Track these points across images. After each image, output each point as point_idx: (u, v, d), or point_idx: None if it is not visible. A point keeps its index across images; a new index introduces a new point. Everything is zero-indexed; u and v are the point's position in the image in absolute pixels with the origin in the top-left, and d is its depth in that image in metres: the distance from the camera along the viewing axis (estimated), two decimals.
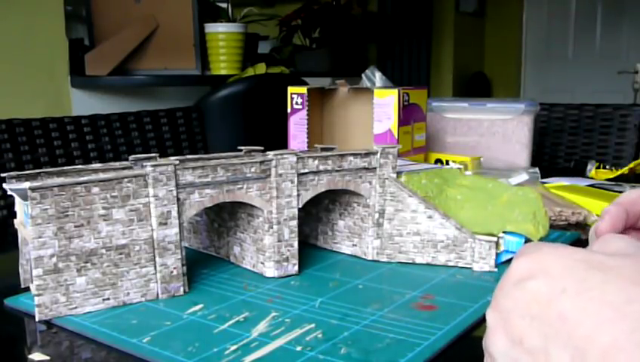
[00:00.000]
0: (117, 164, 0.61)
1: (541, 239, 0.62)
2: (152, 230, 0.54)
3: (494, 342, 0.28)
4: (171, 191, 0.54)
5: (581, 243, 0.69)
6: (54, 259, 0.50)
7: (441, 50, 3.82)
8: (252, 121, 1.78)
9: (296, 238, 0.62)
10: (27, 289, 0.56)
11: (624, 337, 0.23)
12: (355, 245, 0.68)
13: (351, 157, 0.65)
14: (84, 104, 1.90)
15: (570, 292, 0.25)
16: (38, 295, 0.50)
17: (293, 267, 0.62)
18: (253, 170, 0.59)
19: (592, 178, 1.10)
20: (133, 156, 0.61)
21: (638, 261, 0.27)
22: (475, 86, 4.01)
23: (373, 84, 1.17)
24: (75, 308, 0.51)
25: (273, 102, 1.40)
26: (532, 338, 0.26)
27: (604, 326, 0.24)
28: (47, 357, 0.45)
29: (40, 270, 0.49)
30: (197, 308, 0.53)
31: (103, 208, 0.51)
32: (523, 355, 0.26)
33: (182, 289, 0.56)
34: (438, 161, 1.07)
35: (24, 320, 0.52)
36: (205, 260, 0.66)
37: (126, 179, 0.52)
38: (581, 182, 0.98)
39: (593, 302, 0.25)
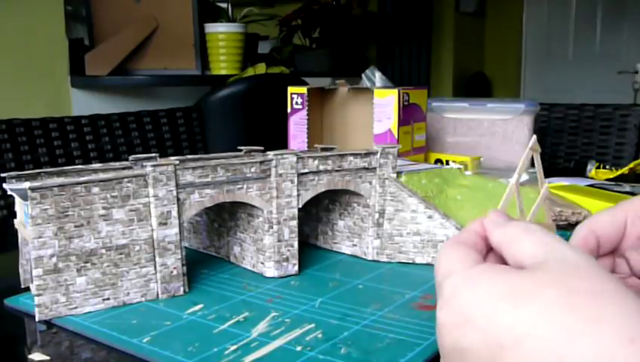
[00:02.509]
0: (117, 164, 0.61)
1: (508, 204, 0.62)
2: (152, 230, 0.54)
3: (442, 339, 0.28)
4: (171, 191, 0.54)
5: None
6: (54, 259, 0.50)
7: (441, 50, 3.82)
8: (252, 121, 1.78)
9: (296, 238, 0.62)
10: (27, 289, 0.56)
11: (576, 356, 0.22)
12: (355, 245, 0.68)
13: (351, 157, 0.65)
14: (84, 104, 1.90)
15: (508, 346, 0.24)
16: (38, 295, 0.50)
17: (293, 267, 0.62)
18: (253, 170, 0.59)
19: (592, 178, 1.10)
20: (133, 156, 0.61)
21: (552, 272, 0.26)
22: (475, 86, 4.01)
23: (373, 84, 1.17)
24: (75, 308, 0.51)
25: (273, 102, 1.40)
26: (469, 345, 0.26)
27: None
28: (47, 357, 0.45)
29: (40, 270, 0.49)
30: (197, 308, 0.53)
31: (103, 208, 0.51)
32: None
33: (182, 289, 0.56)
34: (438, 161, 1.07)
35: (24, 320, 0.52)
36: (205, 260, 0.66)
37: (126, 179, 0.52)
38: (581, 182, 0.98)
39: (536, 350, 0.23)
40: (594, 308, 0.23)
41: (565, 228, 0.75)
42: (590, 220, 0.36)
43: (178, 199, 0.55)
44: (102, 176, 0.52)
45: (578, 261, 0.26)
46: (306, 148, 0.98)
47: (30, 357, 0.45)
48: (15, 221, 0.57)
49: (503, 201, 0.33)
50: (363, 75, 1.18)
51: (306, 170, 0.62)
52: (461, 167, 0.81)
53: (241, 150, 0.68)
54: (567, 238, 0.35)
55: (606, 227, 0.35)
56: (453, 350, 0.27)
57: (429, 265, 0.64)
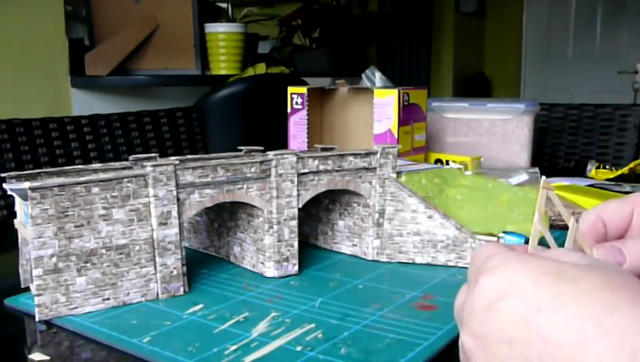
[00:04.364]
0: (117, 164, 0.61)
1: (541, 239, 0.62)
2: (152, 230, 0.54)
3: None
4: (171, 191, 0.54)
5: None
6: (54, 259, 0.50)
7: (441, 50, 3.82)
8: (252, 121, 1.78)
9: (297, 238, 0.62)
10: (27, 289, 0.56)
11: (610, 356, 0.22)
12: (355, 245, 0.68)
13: (351, 157, 0.65)
14: (84, 104, 1.90)
15: (546, 309, 0.25)
16: (38, 295, 0.50)
17: (293, 267, 0.62)
18: (253, 170, 0.59)
19: (592, 178, 1.10)
20: (133, 156, 0.61)
21: (599, 268, 0.26)
22: (475, 86, 4.01)
23: (373, 84, 1.17)
24: (75, 308, 0.51)
25: (273, 102, 1.40)
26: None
27: (588, 345, 0.23)
28: (47, 357, 0.45)
29: (40, 270, 0.49)
30: (197, 308, 0.53)
31: (103, 208, 0.51)
32: None
33: (182, 289, 0.56)
34: (438, 161, 1.07)
35: (24, 320, 0.52)
36: (205, 260, 0.66)
37: (126, 179, 0.52)
38: (581, 182, 0.98)
39: (571, 317, 0.24)
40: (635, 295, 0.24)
41: (565, 228, 0.75)
42: (598, 207, 0.36)
43: (178, 199, 0.55)
44: (102, 176, 0.52)
45: (621, 269, 0.27)
46: (306, 148, 0.98)
47: (30, 357, 0.45)
48: (15, 221, 0.57)
49: (531, 241, 0.34)
50: (363, 75, 1.18)
51: (306, 170, 0.62)
52: (461, 167, 0.81)
53: (241, 150, 0.68)
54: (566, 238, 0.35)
55: (613, 215, 0.36)
56: (488, 311, 0.27)
57: (429, 265, 0.65)
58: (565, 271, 0.26)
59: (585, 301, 0.24)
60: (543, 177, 0.37)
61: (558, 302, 0.24)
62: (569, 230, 0.35)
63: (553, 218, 0.76)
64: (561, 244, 0.34)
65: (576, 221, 0.35)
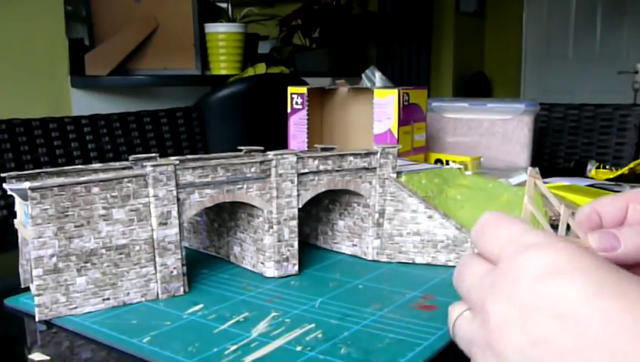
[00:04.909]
0: (117, 164, 0.61)
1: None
2: (152, 230, 0.54)
3: (508, 339, 0.26)
4: (171, 191, 0.54)
5: None
6: (54, 259, 0.50)
7: (441, 50, 3.82)
8: (252, 121, 1.78)
9: (297, 238, 0.62)
10: (27, 289, 0.56)
11: None
12: (355, 245, 0.68)
13: (351, 158, 0.65)
14: (84, 104, 1.90)
15: (608, 292, 0.24)
16: (38, 295, 0.50)
17: (293, 267, 0.62)
18: (253, 170, 0.59)
19: (592, 178, 1.10)
20: (133, 156, 0.61)
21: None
22: (475, 86, 4.01)
23: (373, 84, 1.17)
24: (75, 308, 0.51)
25: (273, 102, 1.40)
26: (563, 338, 0.24)
27: None
28: (47, 357, 0.45)
29: (40, 270, 0.49)
30: (197, 308, 0.53)
31: (103, 208, 0.51)
32: (548, 356, 0.24)
33: (182, 289, 0.56)
34: (438, 161, 1.07)
35: (24, 320, 0.52)
36: (205, 260, 0.66)
37: (126, 179, 0.52)
38: (581, 182, 0.98)
39: (635, 304, 0.24)
40: None
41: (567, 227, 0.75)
42: (594, 201, 0.37)
43: (178, 199, 0.55)
44: (102, 176, 0.52)
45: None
46: (306, 148, 0.98)
47: (30, 357, 0.45)
48: (15, 221, 0.57)
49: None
50: (363, 75, 1.18)
51: (306, 170, 0.62)
52: (461, 167, 0.81)
53: (241, 150, 0.68)
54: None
55: (609, 209, 0.36)
56: (539, 282, 0.26)
57: (429, 265, 0.65)
58: (612, 264, 0.26)
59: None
60: (529, 168, 0.38)
61: (622, 288, 0.25)
62: (561, 217, 0.35)
63: (554, 218, 0.76)
64: None
65: (572, 214, 0.35)
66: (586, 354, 0.24)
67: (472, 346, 0.29)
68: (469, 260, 0.31)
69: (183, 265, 0.55)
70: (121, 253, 0.53)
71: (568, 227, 0.35)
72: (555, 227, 0.36)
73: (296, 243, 0.62)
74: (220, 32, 2.14)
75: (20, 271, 0.57)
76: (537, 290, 0.26)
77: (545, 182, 0.97)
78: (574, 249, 0.27)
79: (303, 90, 0.99)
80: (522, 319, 0.26)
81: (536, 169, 1.00)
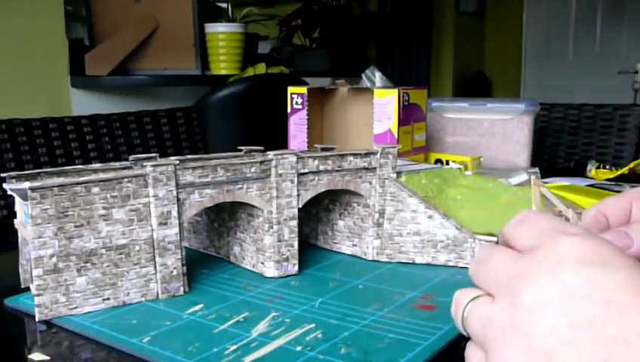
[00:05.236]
0: (117, 164, 0.61)
1: None
2: (152, 230, 0.54)
3: (542, 319, 0.25)
4: (171, 191, 0.54)
5: None
6: (54, 259, 0.50)
7: (441, 50, 3.82)
8: (252, 121, 1.78)
9: (297, 238, 0.62)
10: (27, 289, 0.56)
11: None
12: (355, 245, 0.68)
13: (351, 157, 0.65)
14: (84, 104, 1.90)
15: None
16: (38, 295, 0.50)
17: (293, 267, 0.62)
18: (253, 170, 0.59)
19: (592, 178, 1.10)
20: (133, 156, 0.61)
21: None
22: (475, 86, 4.01)
23: (373, 84, 1.17)
24: (75, 308, 0.51)
25: (273, 102, 1.40)
26: (609, 324, 0.24)
27: None
28: (47, 357, 0.45)
29: (40, 270, 0.49)
30: (197, 308, 0.53)
31: (103, 208, 0.51)
32: (589, 341, 0.24)
33: (182, 289, 0.56)
34: (438, 161, 1.07)
35: (24, 320, 0.52)
36: (205, 260, 0.66)
37: (126, 179, 0.52)
38: (581, 182, 0.98)
39: None
40: None
41: None
42: (598, 203, 0.37)
43: (178, 199, 0.55)
44: (102, 176, 0.52)
45: None
46: (306, 148, 0.98)
47: (30, 357, 0.45)
48: (15, 221, 0.57)
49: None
50: (363, 75, 1.18)
51: (306, 170, 0.62)
52: (461, 167, 0.81)
53: (241, 150, 0.68)
54: None
55: (614, 209, 0.36)
56: (584, 267, 0.26)
57: (429, 265, 0.65)
58: None
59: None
60: (532, 177, 0.38)
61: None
62: (570, 222, 0.35)
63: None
64: None
65: (577, 215, 0.35)
66: (630, 342, 0.23)
67: (489, 328, 0.28)
68: (493, 248, 0.31)
69: (183, 265, 0.55)
70: (121, 253, 0.53)
71: None
72: None
73: (296, 243, 0.62)
74: (220, 32, 2.14)
75: (20, 271, 0.57)
76: (583, 274, 0.25)
77: (545, 183, 0.97)
78: (612, 243, 0.27)
79: (303, 90, 0.99)
80: (563, 300, 0.25)
81: (536, 169, 1.00)
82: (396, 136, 0.96)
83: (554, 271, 0.26)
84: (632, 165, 1.13)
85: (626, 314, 0.24)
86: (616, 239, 0.33)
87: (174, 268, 0.55)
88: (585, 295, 0.25)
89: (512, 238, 0.31)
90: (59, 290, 0.50)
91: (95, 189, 0.51)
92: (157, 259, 0.54)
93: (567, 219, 0.35)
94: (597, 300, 0.25)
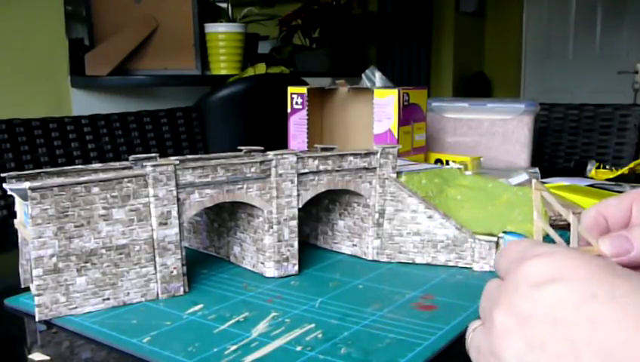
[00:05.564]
0: (117, 164, 0.61)
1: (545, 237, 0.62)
2: (152, 230, 0.54)
3: (508, 345, 0.27)
4: (171, 191, 0.54)
5: None
6: (54, 259, 0.50)
7: (441, 50, 3.82)
8: (252, 121, 1.78)
9: (297, 238, 0.62)
10: (27, 289, 0.56)
11: None
12: (355, 245, 0.68)
13: (351, 157, 0.65)
14: (84, 104, 1.90)
15: (601, 297, 0.25)
16: (38, 295, 0.50)
17: (293, 267, 0.62)
18: (253, 170, 0.59)
19: (592, 178, 1.10)
20: (133, 156, 0.62)
21: None
22: (475, 86, 4.01)
23: (373, 84, 1.17)
24: (75, 308, 0.51)
25: (273, 102, 1.40)
26: (557, 343, 0.25)
27: None
28: (47, 357, 0.45)
29: (40, 270, 0.49)
30: (197, 308, 0.53)
31: (103, 208, 0.51)
32: (544, 360, 0.26)
33: (182, 289, 0.56)
34: (438, 161, 1.07)
35: (24, 320, 0.52)
36: (205, 260, 0.66)
37: (126, 179, 0.52)
38: (581, 182, 0.98)
39: (628, 308, 0.24)
40: None
41: (565, 228, 0.75)
42: (598, 204, 0.37)
43: (178, 199, 0.55)
44: (102, 176, 0.52)
45: None
46: (306, 148, 0.98)
47: (30, 357, 0.45)
48: (15, 221, 0.57)
49: (536, 238, 0.35)
50: (363, 75, 1.18)
51: (306, 170, 0.62)
52: (461, 167, 0.81)
53: (241, 150, 0.68)
54: (566, 238, 0.35)
55: (613, 210, 0.36)
56: (535, 290, 0.27)
57: (429, 265, 0.65)
58: (618, 269, 0.27)
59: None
60: (533, 180, 0.38)
61: (614, 293, 0.25)
62: (571, 226, 0.35)
63: (553, 218, 0.76)
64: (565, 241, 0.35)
65: (577, 218, 0.35)
66: (580, 357, 0.24)
67: (480, 355, 0.30)
68: (490, 282, 0.32)
69: (183, 265, 0.55)
70: (121, 253, 0.53)
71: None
72: (555, 227, 0.36)
73: (296, 243, 0.62)
74: (220, 32, 2.14)
75: (20, 271, 0.57)
76: (533, 298, 0.27)
77: (545, 183, 0.97)
78: (574, 256, 0.28)
79: (303, 90, 0.99)
80: (520, 325, 0.27)
81: (536, 169, 1.00)
82: (396, 136, 0.96)
83: (512, 298, 0.28)
84: (632, 165, 1.13)
85: (573, 330, 0.25)
86: (616, 244, 0.33)
87: (174, 268, 0.55)
88: (536, 317, 0.26)
89: (496, 269, 0.33)
90: (59, 290, 0.50)
91: (95, 189, 0.51)
92: (157, 259, 0.54)
93: (559, 214, 0.35)
94: (546, 321, 0.26)
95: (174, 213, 0.54)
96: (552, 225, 0.37)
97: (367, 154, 0.66)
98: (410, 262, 0.65)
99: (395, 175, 0.66)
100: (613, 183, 1.00)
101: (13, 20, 1.76)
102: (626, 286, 0.25)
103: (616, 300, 0.25)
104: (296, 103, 0.99)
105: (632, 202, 0.36)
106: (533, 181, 0.37)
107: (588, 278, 0.26)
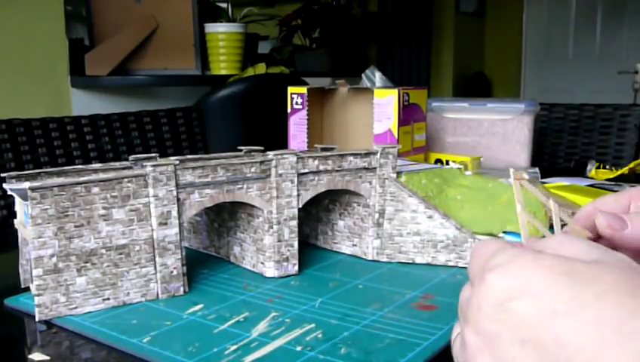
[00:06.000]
0: (117, 164, 0.61)
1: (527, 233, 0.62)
2: (152, 230, 0.54)
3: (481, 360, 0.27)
4: (171, 191, 0.54)
5: None
6: (54, 259, 0.50)
7: (441, 50, 3.82)
8: (252, 121, 1.78)
9: (297, 238, 0.62)
10: (27, 289, 0.56)
11: None
12: (355, 245, 0.68)
13: (351, 157, 0.65)
14: (84, 104, 1.90)
15: (562, 313, 0.24)
16: (38, 295, 0.50)
17: (293, 267, 0.62)
18: (253, 170, 0.59)
19: (592, 178, 1.10)
20: (133, 156, 0.61)
21: (613, 268, 0.25)
22: (475, 86, 4.01)
23: (373, 84, 1.17)
24: (75, 308, 0.51)
25: (273, 102, 1.40)
26: None
27: (608, 351, 0.22)
28: (47, 357, 0.45)
29: (40, 270, 0.49)
30: (197, 308, 0.53)
31: (103, 208, 0.51)
32: None
33: (182, 289, 0.56)
34: (438, 161, 1.07)
35: (24, 320, 0.52)
36: (205, 260, 0.66)
37: (126, 179, 0.52)
38: (581, 182, 0.98)
39: (590, 322, 0.23)
40: None
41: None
42: (596, 200, 0.37)
43: (178, 199, 0.55)
44: (102, 176, 0.52)
45: (635, 266, 0.26)
46: (306, 148, 0.98)
47: (30, 357, 0.45)
48: (15, 221, 0.57)
49: (522, 232, 0.34)
50: (363, 75, 1.18)
51: (306, 170, 0.62)
52: (461, 167, 0.81)
53: (241, 150, 0.68)
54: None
55: (611, 207, 0.36)
56: (498, 310, 0.26)
57: (429, 265, 0.65)
58: (580, 272, 0.25)
59: (604, 306, 0.23)
60: (511, 169, 0.37)
61: (575, 305, 0.24)
62: (553, 213, 0.35)
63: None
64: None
65: (557, 205, 0.35)
66: None
67: None
68: (464, 287, 0.31)
69: (183, 265, 0.55)
70: (121, 253, 0.53)
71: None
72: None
73: (296, 243, 0.62)
74: (220, 32, 2.14)
75: (20, 271, 0.57)
76: (496, 318, 0.26)
77: (544, 183, 0.97)
78: (533, 263, 0.26)
79: (303, 90, 0.99)
80: (489, 347, 0.26)
81: (536, 169, 1.00)
82: (396, 136, 0.96)
83: (477, 320, 0.27)
84: (632, 165, 1.13)
85: (540, 349, 0.24)
86: (612, 220, 0.33)
87: (174, 268, 0.55)
88: (503, 339, 0.26)
89: (468, 273, 0.31)
90: (59, 290, 0.50)
91: (95, 189, 0.51)
92: (157, 259, 0.54)
93: (550, 211, 0.35)
94: (513, 341, 0.25)
95: (174, 213, 0.54)
96: (551, 226, 0.37)
97: (367, 154, 0.66)
98: (410, 262, 0.65)
99: (395, 175, 0.66)
100: (613, 183, 1.00)
101: (13, 20, 1.76)
102: (587, 295, 0.24)
103: (579, 314, 0.24)
104: (296, 103, 0.99)
105: (630, 199, 0.36)
106: (511, 170, 0.36)
107: (547, 290, 0.25)
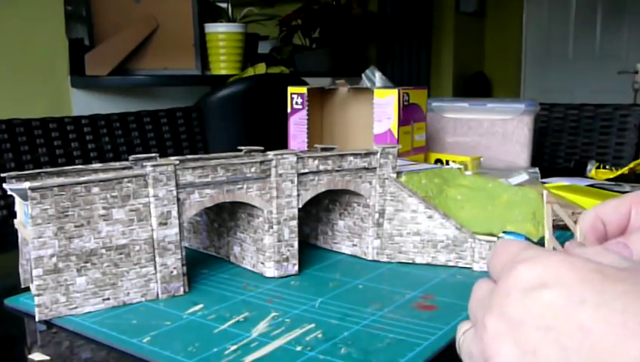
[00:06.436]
0: (117, 164, 0.61)
1: (541, 239, 0.62)
2: (152, 230, 0.54)
3: (499, 350, 0.27)
4: (171, 191, 0.54)
5: None
6: (54, 259, 0.50)
7: (441, 50, 3.82)
8: (252, 121, 1.78)
9: (297, 238, 0.62)
10: (27, 289, 0.56)
11: None
12: (355, 245, 0.68)
13: (351, 157, 0.65)
14: (84, 104, 1.90)
15: (590, 303, 0.25)
16: (38, 295, 0.50)
17: (293, 267, 0.62)
18: (253, 170, 0.59)
19: (592, 178, 1.10)
20: (133, 156, 0.62)
21: None
22: (475, 86, 4.01)
23: (373, 84, 1.17)
24: (75, 308, 0.51)
25: (273, 102, 1.40)
26: (548, 349, 0.25)
27: (631, 339, 0.23)
28: (47, 357, 0.45)
29: (40, 270, 0.49)
30: (197, 308, 0.53)
31: (103, 208, 0.51)
32: None
33: (182, 289, 0.56)
34: (438, 161, 1.07)
35: (24, 320, 0.52)
36: (205, 260, 0.66)
37: (126, 179, 0.52)
38: (581, 182, 0.98)
39: (616, 313, 0.24)
40: None
41: (565, 229, 0.75)
42: (596, 208, 0.37)
43: (178, 199, 0.55)
44: (102, 176, 0.52)
45: None
46: (306, 148, 0.98)
47: (30, 357, 0.45)
48: (15, 221, 0.57)
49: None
50: (363, 75, 1.18)
51: (306, 170, 0.62)
52: (461, 167, 0.81)
53: (241, 150, 0.68)
54: (565, 239, 0.35)
55: (612, 214, 0.36)
56: (526, 296, 0.27)
57: (429, 265, 0.65)
58: (610, 273, 0.26)
59: (631, 301, 0.24)
60: (545, 192, 0.38)
61: (603, 298, 0.25)
62: (576, 234, 0.35)
63: (553, 217, 0.76)
64: None
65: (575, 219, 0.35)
66: None
67: (472, 361, 0.30)
68: (480, 283, 0.32)
69: (183, 265, 0.56)
70: (121, 253, 0.53)
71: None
72: (555, 227, 0.36)
73: (296, 243, 0.62)
74: (220, 32, 2.14)
75: (20, 271, 0.57)
76: (524, 304, 0.27)
77: (544, 183, 0.97)
78: (565, 259, 0.27)
79: (303, 90, 0.99)
80: (512, 331, 0.27)
81: (536, 169, 1.00)
82: (396, 136, 0.96)
83: (503, 304, 0.28)
84: (632, 165, 1.13)
85: (563, 337, 0.25)
86: (615, 248, 0.33)
87: (174, 268, 0.55)
88: (528, 324, 0.26)
89: (489, 270, 0.32)
90: (59, 290, 0.50)
91: (95, 189, 0.51)
92: (157, 259, 0.54)
93: (575, 232, 0.35)
94: (538, 327, 0.26)
95: (174, 213, 0.54)
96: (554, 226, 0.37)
97: (367, 154, 0.66)
98: (410, 262, 0.65)
99: (395, 175, 0.66)
100: (613, 183, 1.00)
101: (13, 20, 1.76)
102: (616, 289, 0.25)
103: (606, 305, 0.25)
104: (296, 103, 0.99)
105: (631, 206, 0.36)
106: (545, 193, 0.37)
107: (577, 283, 0.26)
